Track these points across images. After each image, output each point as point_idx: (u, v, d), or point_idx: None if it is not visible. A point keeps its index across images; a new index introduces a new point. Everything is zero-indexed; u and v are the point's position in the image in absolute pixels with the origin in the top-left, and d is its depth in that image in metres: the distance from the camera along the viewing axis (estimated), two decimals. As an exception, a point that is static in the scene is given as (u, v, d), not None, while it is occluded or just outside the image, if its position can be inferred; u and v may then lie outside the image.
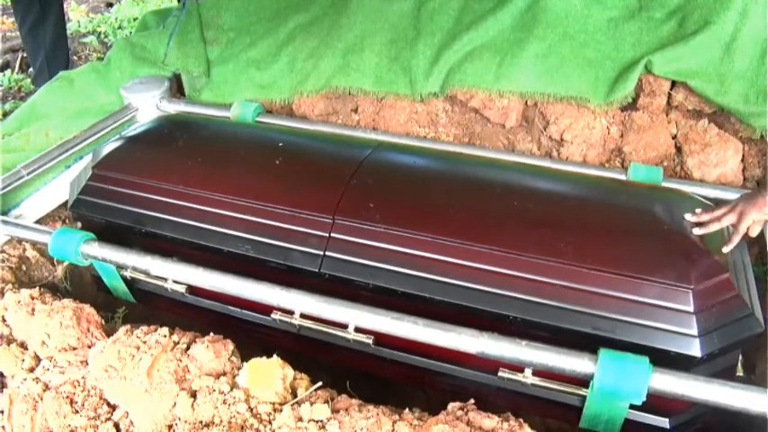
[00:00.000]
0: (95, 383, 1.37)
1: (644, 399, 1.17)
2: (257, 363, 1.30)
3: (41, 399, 1.38)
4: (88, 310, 1.52)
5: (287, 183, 1.64)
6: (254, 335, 1.71)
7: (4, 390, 1.45)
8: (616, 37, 1.99)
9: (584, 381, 1.30)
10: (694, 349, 1.26)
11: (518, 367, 1.35)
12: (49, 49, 3.34)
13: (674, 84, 1.94)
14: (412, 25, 2.20)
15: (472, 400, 1.24)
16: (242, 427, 1.21)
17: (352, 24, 2.27)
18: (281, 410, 1.23)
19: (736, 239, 1.36)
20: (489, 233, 1.45)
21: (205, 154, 1.78)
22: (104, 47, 4.38)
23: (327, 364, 1.61)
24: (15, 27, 3.88)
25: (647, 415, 1.37)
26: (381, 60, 2.20)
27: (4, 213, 1.89)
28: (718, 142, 1.88)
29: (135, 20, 4.59)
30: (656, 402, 1.24)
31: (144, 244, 1.71)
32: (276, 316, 1.58)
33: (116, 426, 1.33)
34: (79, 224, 1.85)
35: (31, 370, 1.46)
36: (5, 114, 3.20)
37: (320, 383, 1.30)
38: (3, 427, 1.41)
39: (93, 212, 1.76)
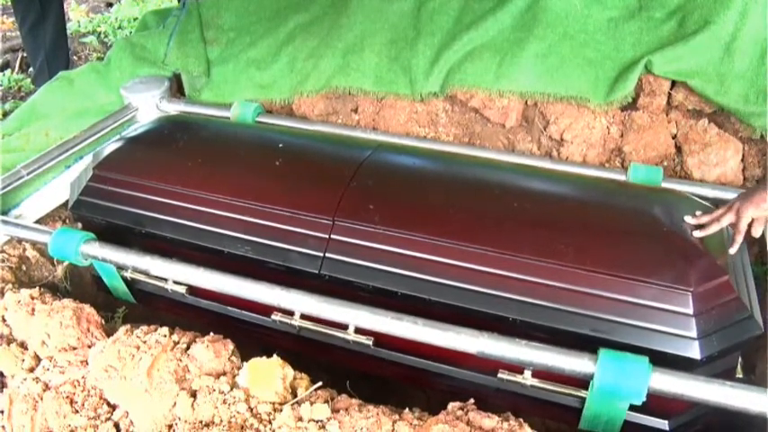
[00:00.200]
0: (95, 383, 1.37)
1: (644, 398, 1.17)
2: (257, 363, 1.30)
3: (41, 399, 1.38)
4: (88, 310, 1.52)
5: (287, 184, 1.65)
6: (253, 335, 1.71)
7: (4, 390, 1.45)
8: (616, 37, 1.99)
9: (583, 382, 1.30)
10: (694, 351, 1.26)
11: (517, 368, 1.35)
12: (49, 48, 3.34)
13: (674, 83, 1.94)
14: (412, 25, 2.20)
15: (472, 400, 1.24)
16: (242, 427, 1.21)
17: (352, 24, 2.27)
18: (281, 410, 1.23)
19: (739, 239, 1.35)
20: (489, 235, 1.45)
21: (205, 155, 1.78)
22: (104, 47, 4.38)
23: (327, 364, 1.60)
24: (15, 27, 3.88)
25: (646, 417, 1.37)
26: (381, 60, 2.20)
27: (4, 213, 1.89)
28: (718, 142, 1.88)
29: (135, 20, 4.59)
30: (655, 404, 1.24)
31: (144, 245, 1.71)
32: (276, 317, 1.58)
33: (116, 426, 1.34)
34: (80, 225, 1.85)
35: (31, 370, 1.46)
36: (5, 114, 3.20)
37: (320, 383, 1.30)
38: (3, 426, 1.41)
39: (94, 213, 1.76)
